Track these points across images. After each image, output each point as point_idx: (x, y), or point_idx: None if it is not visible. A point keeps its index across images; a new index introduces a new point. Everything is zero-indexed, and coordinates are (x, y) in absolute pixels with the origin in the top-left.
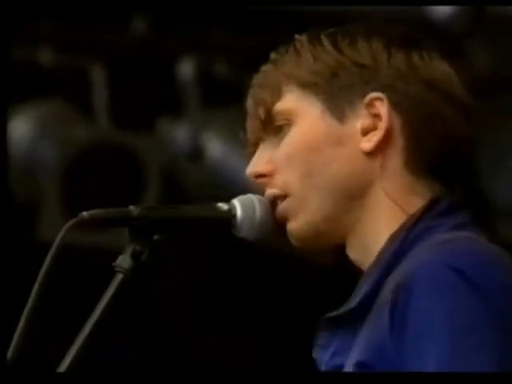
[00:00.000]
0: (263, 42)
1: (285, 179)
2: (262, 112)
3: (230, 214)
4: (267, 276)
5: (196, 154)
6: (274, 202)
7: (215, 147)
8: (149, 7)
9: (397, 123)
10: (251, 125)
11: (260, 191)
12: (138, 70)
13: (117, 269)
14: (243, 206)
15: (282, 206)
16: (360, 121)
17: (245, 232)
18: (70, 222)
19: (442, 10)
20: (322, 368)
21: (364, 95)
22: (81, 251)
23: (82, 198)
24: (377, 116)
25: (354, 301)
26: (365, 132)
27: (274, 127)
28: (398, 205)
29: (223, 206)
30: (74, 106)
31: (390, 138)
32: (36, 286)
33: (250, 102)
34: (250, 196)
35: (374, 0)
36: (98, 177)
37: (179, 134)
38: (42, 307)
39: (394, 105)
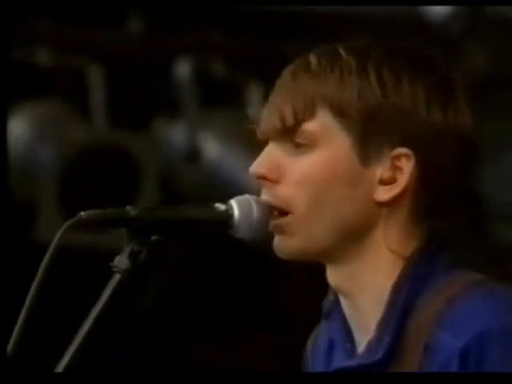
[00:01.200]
0: (260, 43)
1: (291, 196)
2: (289, 120)
3: (228, 214)
4: (264, 276)
5: (193, 154)
6: (270, 207)
7: (212, 148)
8: (146, 8)
9: (414, 177)
10: (270, 121)
11: (258, 192)
12: (135, 71)
13: (114, 269)
14: (240, 207)
15: (282, 221)
16: (381, 169)
17: (242, 232)
18: (68, 222)
19: (440, 11)
20: None
21: (393, 145)
22: (79, 251)
23: (80, 199)
24: (399, 169)
25: (376, 352)
26: (383, 182)
27: (295, 139)
28: (394, 251)
29: (220, 206)
30: (71, 106)
31: (404, 192)
32: (34, 287)
33: (276, 99)
34: (247, 196)
35: (373, 0)
36: (95, 177)
37: (176, 134)
38: (39, 308)
39: (418, 161)
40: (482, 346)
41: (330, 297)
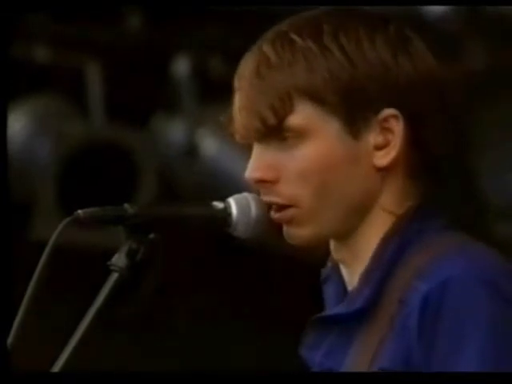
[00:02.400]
0: (259, 39)
1: (294, 192)
2: (270, 119)
3: (226, 212)
4: (263, 274)
5: (191, 151)
6: (272, 206)
7: (210, 145)
8: (144, 5)
9: (405, 136)
10: (250, 124)
11: (256, 190)
12: (134, 68)
13: (112, 267)
14: (238, 205)
15: (287, 214)
16: (372, 135)
17: (240, 230)
18: (66, 221)
19: (439, 10)
20: (314, 368)
21: (377, 109)
22: (76, 249)
23: (78, 196)
24: (389, 131)
25: (354, 302)
26: (378, 148)
27: (280, 135)
28: (390, 211)
29: (218, 204)
30: (69, 103)
31: (400, 153)
32: (32, 285)
33: (247, 101)
34: (245, 194)
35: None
36: (93, 174)
37: (174, 131)
38: (37, 306)
39: (405, 117)
40: (443, 291)
41: (329, 263)
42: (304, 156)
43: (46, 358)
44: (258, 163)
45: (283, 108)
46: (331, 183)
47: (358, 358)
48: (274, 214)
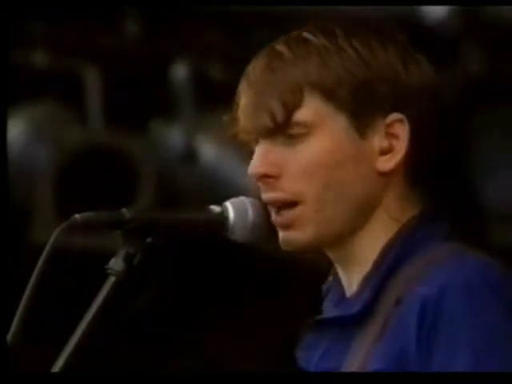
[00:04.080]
0: (258, 44)
1: (298, 187)
2: (280, 114)
3: (223, 216)
4: (261, 277)
5: (190, 156)
6: (275, 204)
7: (209, 150)
8: (143, 9)
9: (409, 142)
10: (258, 120)
11: (255, 193)
12: (133, 73)
13: (109, 271)
14: (236, 209)
15: (292, 213)
16: (378, 138)
17: (237, 234)
18: (63, 225)
19: (438, 11)
20: (310, 369)
21: (384, 112)
22: (73, 254)
23: (76, 201)
24: (394, 136)
25: (352, 305)
26: (383, 152)
27: (287, 131)
28: (393, 218)
29: (216, 208)
30: (68, 108)
31: (403, 158)
32: (29, 289)
33: (255, 96)
34: (242, 198)
35: (372, 0)
36: (92, 179)
37: (173, 136)
38: (34, 310)
39: (410, 124)
40: (442, 296)
41: (330, 277)
42: (309, 150)
43: (44, 361)
44: (262, 159)
45: (293, 101)
46: (336, 180)
47: (354, 360)
48: (277, 216)
